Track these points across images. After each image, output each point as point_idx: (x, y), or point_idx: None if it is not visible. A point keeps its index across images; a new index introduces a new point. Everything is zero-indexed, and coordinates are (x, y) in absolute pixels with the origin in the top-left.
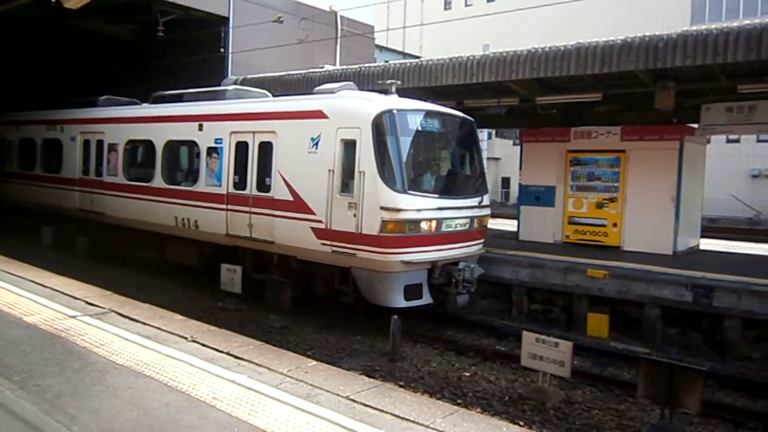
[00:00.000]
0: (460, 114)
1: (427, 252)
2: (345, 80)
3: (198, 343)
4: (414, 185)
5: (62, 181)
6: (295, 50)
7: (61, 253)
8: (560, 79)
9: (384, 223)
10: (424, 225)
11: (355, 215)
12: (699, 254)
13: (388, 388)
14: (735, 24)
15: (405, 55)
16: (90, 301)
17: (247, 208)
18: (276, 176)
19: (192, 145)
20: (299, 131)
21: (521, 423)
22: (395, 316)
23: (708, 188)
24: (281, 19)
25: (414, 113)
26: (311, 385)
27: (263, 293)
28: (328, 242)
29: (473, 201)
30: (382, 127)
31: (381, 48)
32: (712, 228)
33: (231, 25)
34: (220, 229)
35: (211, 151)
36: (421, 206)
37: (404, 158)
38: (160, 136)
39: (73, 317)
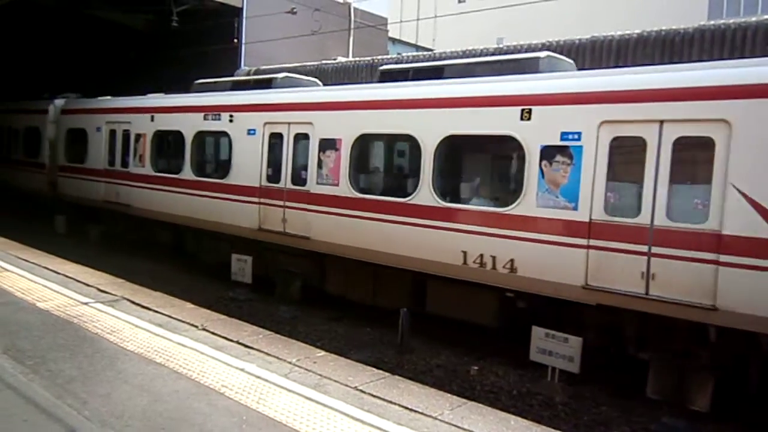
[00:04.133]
0: None
1: None
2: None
3: (208, 331)
4: None
5: (231, 189)
6: (308, 42)
7: (75, 241)
8: None
9: None
10: None
11: None
12: None
13: (396, 379)
14: (753, 19)
15: (418, 47)
16: (102, 288)
17: (640, 247)
18: (730, 197)
19: (504, 143)
20: None
21: (529, 417)
22: (404, 309)
23: None
24: (294, 10)
25: None
26: (320, 375)
27: (274, 284)
28: None
29: None
30: None
31: (394, 40)
32: None
33: (244, 15)
34: (571, 276)
35: (551, 153)
36: None
37: None
38: (430, 129)
39: (86, 304)
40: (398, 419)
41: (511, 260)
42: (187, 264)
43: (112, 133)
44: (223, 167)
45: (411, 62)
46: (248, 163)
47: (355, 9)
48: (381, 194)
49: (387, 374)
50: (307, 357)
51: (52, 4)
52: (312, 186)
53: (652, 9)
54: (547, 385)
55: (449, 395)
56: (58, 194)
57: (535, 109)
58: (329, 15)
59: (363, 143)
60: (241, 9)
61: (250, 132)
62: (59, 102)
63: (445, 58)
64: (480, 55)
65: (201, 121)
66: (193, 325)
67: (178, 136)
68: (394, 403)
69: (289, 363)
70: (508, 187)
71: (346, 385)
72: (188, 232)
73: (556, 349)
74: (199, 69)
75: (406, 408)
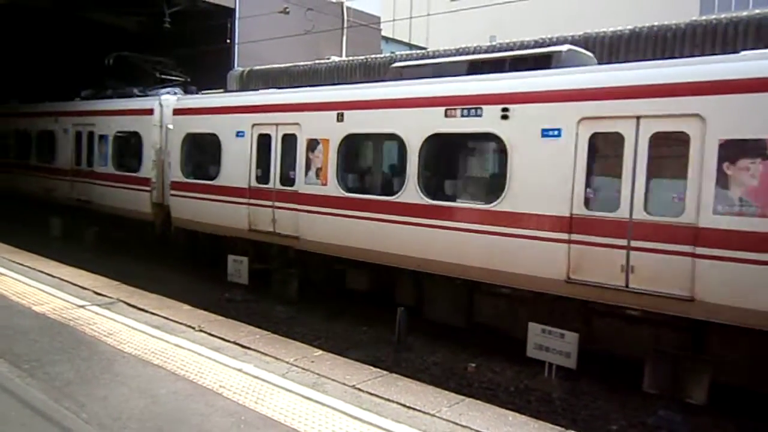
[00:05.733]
0: None
1: None
2: None
3: (205, 332)
4: None
5: (508, 219)
6: (301, 42)
7: (70, 245)
8: None
9: None
10: None
11: None
12: None
13: (394, 377)
14: (744, 13)
15: (411, 46)
16: (98, 291)
17: None
18: None
19: None
20: None
21: (527, 413)
22: (401, 308)
23: None
24: (287, 9)
25: None
26: (317, 374)
27: (270, 285)
28: None
29: None
30: None
31: (387, 39)
32: None
33: (237, 16)
34: None
35: None
36: None
37: None
38: None
39: (82, 307)
40: (396, 417)
41: None
42: (182, 266)
43: (264, 138)
44: (489, 187)
45: None
46: (542, 181)
47: (348, 8)
48: None
49: (385, 372)
50: (305, 356)
51: (45, 6)
52: (702, 216)
53: (643, 7)
54: (545, 381)
55: (447, 392)
56: (168, 219)
57: None
58: (322, 14)
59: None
60: (234, 10)
61: (548, 133)
62: (169, 99)
63: None
64: None
65: (439, 119)
66: (190, 326)
67: (391, 140)
68: (392, 401)
69: (287, 363)
70: None
71: (344, 384)
72: (403, 277)
73: (552, 345)
74: (192, 70)
75: (404, 405)
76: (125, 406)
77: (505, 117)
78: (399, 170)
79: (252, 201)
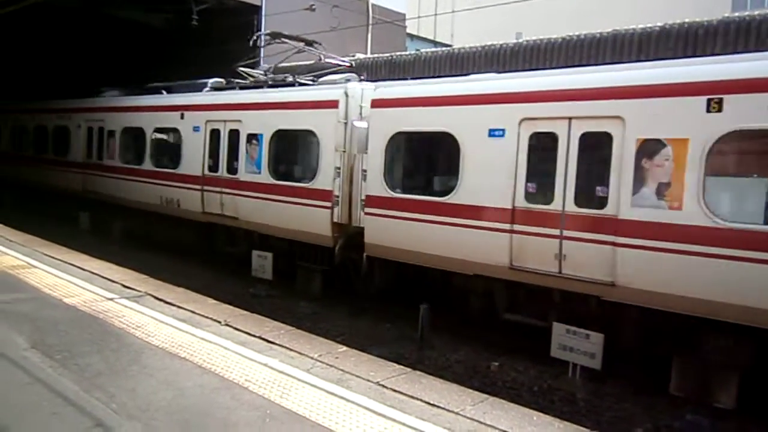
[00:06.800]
0: None
1: None
2: None
3: (231, 326)
4: None
5: None
6: (326, 39)
7: (98, 238)
8: None
9: None
10: None
11: None
12: None
13: (417, 374)
14: None
15: (436, 43)
16: (126, 284)
17: None
18: None
19: None
20: None
21: (551, 413)
22: (424, 305)
23: None
24: (313, 6)
25: None
26: (342, 370)
27: (294, 280)
28: None
29: None
30: None
31: (412, 36)
32: None
33: (263, 13)
34: None
35: None
36: None
37: None
38: None
39: (111, 299)
40: (421, 414)
41: None
42: (208, 260)
43: (543, 138)
44: None
45: None
46: None
47: (373, 5)
48: None
49: (408, 369)
50: (329, 352)
51: (75, 5)
52: None
53: (674, 3)
54: (568, 381)
55: (471, 390)
56: (351, 244)
57: None
58: (347, 11)
59: None
60: (260, 7)
61: None
62: (356, 88)
63: None
64: None
65: None
66: (215, 320)
67: None
68: (416, 398)
69: (311, 358)
70: None
71: (368, 380)
72: None
73: (577, 345)
74: (218, 67)
75: (428, 403)
76: (153, 398)
77: None
78: None
79: (517, 228)
